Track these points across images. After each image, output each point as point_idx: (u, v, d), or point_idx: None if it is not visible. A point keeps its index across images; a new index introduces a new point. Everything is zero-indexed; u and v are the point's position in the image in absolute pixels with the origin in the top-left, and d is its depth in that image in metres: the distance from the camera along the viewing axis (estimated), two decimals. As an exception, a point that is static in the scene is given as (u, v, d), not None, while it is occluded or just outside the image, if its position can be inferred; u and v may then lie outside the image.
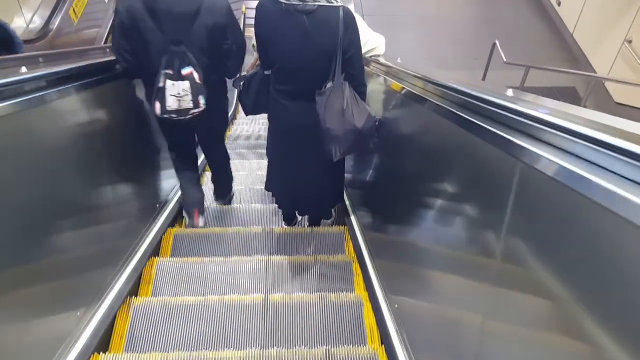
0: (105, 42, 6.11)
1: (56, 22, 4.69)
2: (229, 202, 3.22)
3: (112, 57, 2.26)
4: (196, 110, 2.28)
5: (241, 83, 2.42)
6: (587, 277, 0.75)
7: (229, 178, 3.15)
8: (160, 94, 2.20)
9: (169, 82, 2.18)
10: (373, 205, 2.54)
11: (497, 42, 5.34)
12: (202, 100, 2.26)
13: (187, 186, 2.86)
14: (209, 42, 2.27)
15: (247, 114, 2.54)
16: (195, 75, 2.21)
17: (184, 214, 2.93)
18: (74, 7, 5.12)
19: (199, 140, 2.85)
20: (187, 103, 2.23)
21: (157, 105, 2.22)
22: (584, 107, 0.88)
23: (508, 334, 1.02)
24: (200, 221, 2.87)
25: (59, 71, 1.66)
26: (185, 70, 2.19)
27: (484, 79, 5.59)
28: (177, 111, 2.25)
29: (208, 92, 2.27)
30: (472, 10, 7.73)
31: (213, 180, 3.14)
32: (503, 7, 7.56)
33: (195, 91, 2.22)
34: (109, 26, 6.23)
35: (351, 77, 2.14)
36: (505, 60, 5.22)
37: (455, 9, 7.83)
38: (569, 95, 6.02)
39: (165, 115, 2.26)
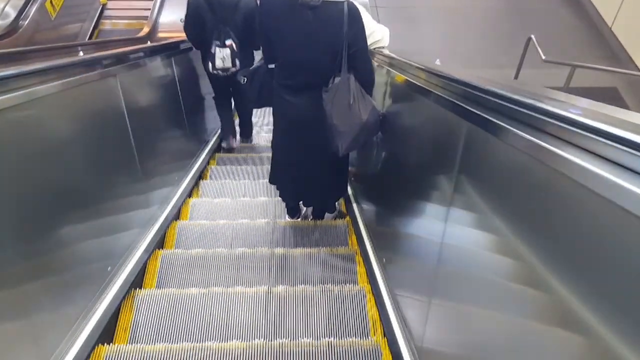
0: (91, 37, 5.77)
1: (29, 16, 4.24)
2: (251, 141, 4.52)
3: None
4: (233, 68, 3.42)
5: (244, 76, 2.43)
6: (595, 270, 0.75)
7: (251, 124, 4.46)
8: (211, 57, 3.38)
9: (217, 50, 3.34)
10: (376, 198, 2.54)
11: (533, 37, 4.61)
12: (237, 62, 3.41)
13: (225, 120, 4.14)
14: (243, 24, 3.35)
15: (251, 107, 2.57)
16: (234, 46, 3.35)
17: (223, 143, 4.25)
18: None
19: (232, 93, 3.96)
20: (228, 64, 3.39)
21: (210, 64, 3.42)
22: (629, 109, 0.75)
23: (519, 330, 1.02)
24: (235, 143, 4.27)
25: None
26: (228, 42, 3.34)
27: (516, 77, 4.95)
28: (222, 69, 3.42)
29: (240, 58, 3.40)
30: (496, 1, 6.97)
31: (240, 125, 4.39)
32: (531, -1, 6.82)
33: (233, 56, 3.37)
34: (95, 20, 5.93)
35: (358, 72, 2.14)
36: (544, 57, 4.44)
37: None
38: (610, 97, 5.30)
39: (214, 72, 3.44)
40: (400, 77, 2.01)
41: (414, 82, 1.76)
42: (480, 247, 1.18)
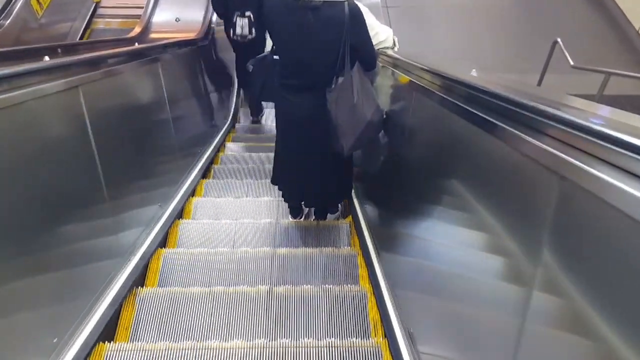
0: (82, 37, 5.40)
1: (12, 14, 3.89)
2: (259, 120, 5.32)
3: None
4: (250, 36, 4.17)
5: (251, 65, 2.43)
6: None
7: (261, 104, 5.22)
8: (233, 26, 4.18)
9: (237, 19, 4.12)
10: (379, 199, 2.53)
11: (559, 40, 4.17)
12: (253, 31, 4.15)
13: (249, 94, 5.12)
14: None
15: (256, 98, 2.59)
16: (252, 17, 4.11)
17: (240, 117, 5.38)
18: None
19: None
20: (245, 31, 4.16)
21: (231, 31, 4.21)
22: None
23: (521, 332, 1.01)
24: (257, 117, 5.26)
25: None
26: (247, 13, 4.10)
27: (539, 84, 4.47)
28: (241, 36, 4.19)
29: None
30: (514, 1, 6.41)
31: (249, 102, 5.30)
32: (551, -1, 6.18)
33: (250, 25, 4.13)
34: (87, 19, 5.56)
35: (364, 66, 2.16)
36: (572, 63, 4.00)
37: (495, -1, 6.34)
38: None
39: (234, 37, 4.22)
40: (404, 78, 2.01)
41: (420, 83, 1.76)
42: (484, 250, 1.18)
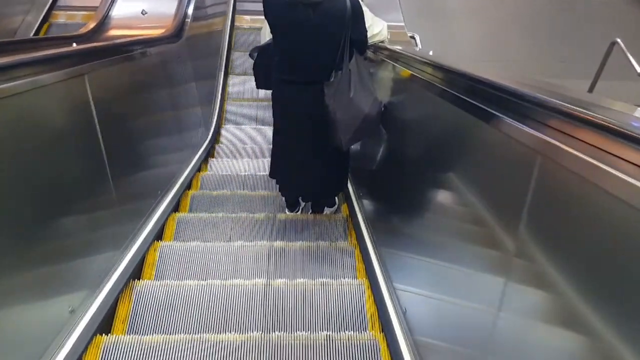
0: (37, 33, 4.51)
1: None
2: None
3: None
4: None
5: (255, 54, 2.43)
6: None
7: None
8: None
9: None
10: (376, 193, 2.53)
11: (619, 41, 3.22)
12: None
13: None
14: None
15: (258, 87, 2.59)
16: None
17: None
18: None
19: None
20: None
21: None
22: None
23: (518, 327, 1.01)
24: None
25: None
26: None
27: (591, 90, 3.55)
28: None
29: None
30: None
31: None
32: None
33: None
34: (45, 11, 4.59)
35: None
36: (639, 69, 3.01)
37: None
38: None
39: None
40: (403, 72, 2.00)
41: (419, 76, 1.75)
42: (483, 244, 1.18)
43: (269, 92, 2.49)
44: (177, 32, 3.33)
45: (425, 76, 1.66)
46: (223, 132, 4.43)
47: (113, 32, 3.70)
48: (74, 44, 2.06)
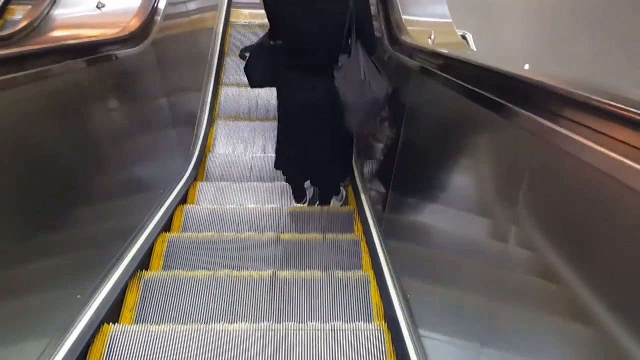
0: None
1: None
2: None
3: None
4: None
5: (247, 54, 2.42)
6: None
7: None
8: None
9: None
10: (383, 185, 2.53)
11: None
12: None
13: None
14: None
15: (252, 85, 2.58)
16: None
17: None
18: None
19: None
20: None
21: None
22: None
23: (526, 321, 1.01)
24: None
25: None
26: None
27: None
28: None
29: None
30: None
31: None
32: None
33: None
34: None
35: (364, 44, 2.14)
36: None
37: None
38: None
39: None
40: (410, 62, 1.98)
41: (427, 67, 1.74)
42: (491, 237, 1.17)
43: (274, 107, 2.44)
44: (139, 32, 2.31)
45: (429, 65, 1.64)
46: (210, 162, 3.40)
47: (58, 34, 2.40)
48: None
